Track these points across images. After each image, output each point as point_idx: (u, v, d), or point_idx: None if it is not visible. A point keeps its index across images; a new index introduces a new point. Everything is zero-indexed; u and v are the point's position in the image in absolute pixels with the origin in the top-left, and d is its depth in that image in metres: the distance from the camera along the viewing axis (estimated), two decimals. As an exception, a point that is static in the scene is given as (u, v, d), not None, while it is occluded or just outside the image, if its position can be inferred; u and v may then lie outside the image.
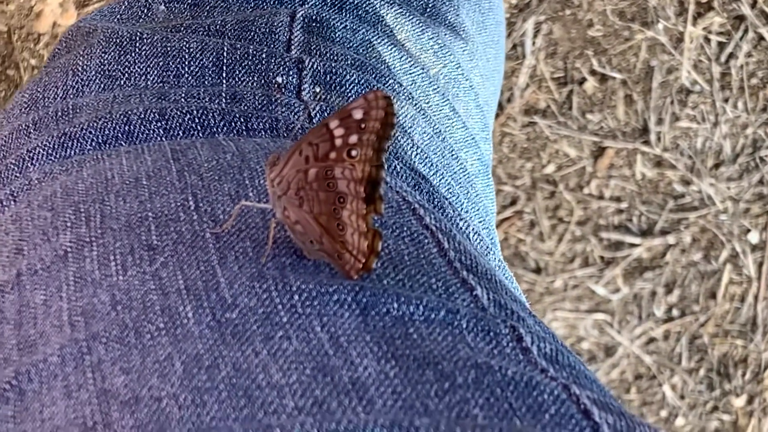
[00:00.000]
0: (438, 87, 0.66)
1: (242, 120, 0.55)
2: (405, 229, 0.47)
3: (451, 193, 0.59)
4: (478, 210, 0.63)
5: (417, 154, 0.58)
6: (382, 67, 0.63)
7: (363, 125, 0.40)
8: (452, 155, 0.64)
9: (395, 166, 0.55)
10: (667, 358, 1.49)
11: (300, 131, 0.55)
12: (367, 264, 0.42)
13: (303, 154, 0.41)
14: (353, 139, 0.40)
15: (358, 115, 0.40)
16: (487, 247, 0.56)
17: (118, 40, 0.61)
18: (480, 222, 0.63)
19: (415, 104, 0.62)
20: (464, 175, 0.64)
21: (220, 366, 0.39)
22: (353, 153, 0.40)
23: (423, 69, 0.66)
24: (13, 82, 1.34)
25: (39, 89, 0.60)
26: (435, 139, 0.62)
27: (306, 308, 0.41)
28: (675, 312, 1.48)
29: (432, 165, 0.59)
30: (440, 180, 0.59)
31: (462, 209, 0.60)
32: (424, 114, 0.63)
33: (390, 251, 0.45)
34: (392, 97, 0.48)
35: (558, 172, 1.42)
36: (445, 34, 0.69)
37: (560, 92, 1.41)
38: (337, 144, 0.40)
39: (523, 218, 1.43)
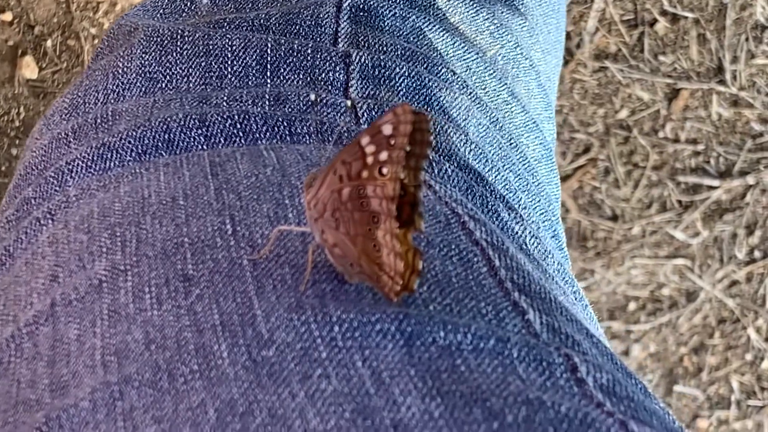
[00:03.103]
0: (495, 71, 0.63)
1: (285, 124, 0.53)
2: (453, 247, 0.45)
3: (508, 189, 0.57)
4: (539, 201, 0.60)
5: (471, 150, 0.56)
6: (434, 55, 0.61)
7: (392, 141, 0.37)
8: (510, 144, 0.61)
9: (446, 170, 0.53)
10: (750, 300, 1.46)
11: (346, 134, 0.53)
12: (409, 285, 0.39)
13: (337, 174, 0.39)
14: (383, 156, 0.38)
15: (387, 130, 0.37)
16: (546, 251, 0.54)
17: (158, 39, 0.59)
18: (542, 214, 0.60)
19: (470, 93, 0.60)
20: (524, 165, 0.61)
21: (255, 412, 0.37)
22: (384, 171, 0.38)
23: (478, 53, 0.63)
24: (74, 52, 1.33)
25: (79, 94, 0.59)
26: (491, 129, 0.60)
27: (347, 341, 0.39)
28: (757, 253, 1.45)
29: (487, 160, 0.57)
30: (496, 176, 0.57)
31: (520, 206, 0.57)
32: (479, 103, 0.60)
33: (437, 273, 0.43)
34: (427, 112, 0.45)
35: (631, 117, 1.39)
36: (502, 12, 0.66)
37: (631, 35, 1.37)
38: (368, 162, 0.38)
39: (597, 165, 1.40)
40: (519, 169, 0.60)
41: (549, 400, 0.36)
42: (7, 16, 1.31)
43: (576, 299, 0.54)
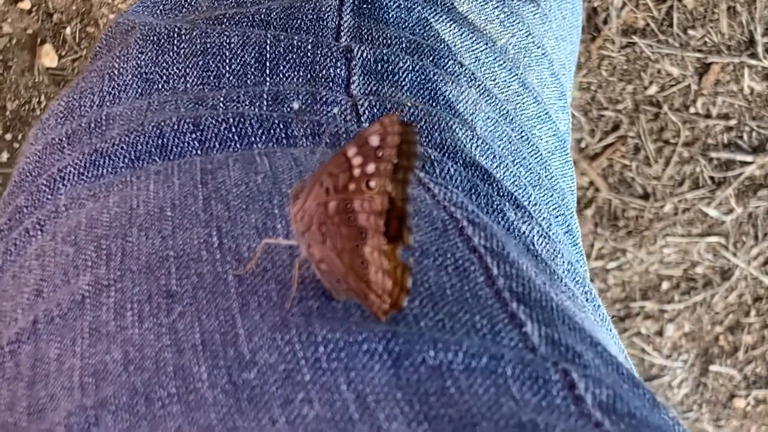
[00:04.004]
0: (505, 61, 0.61)
1: (282, 126, 0.51)
2: (449, 255, 0.43)
3: (517, 185, 0.55)
4: (551, 196, 0.58)
5: (478, 146, 0.54)
6: (441, 46, 0.59)
7: (380, 153, 0.36)
8: (521, 137, 0.59)
9: (448, 169, 0.51)
10: (787, 277, 1.43)
11: (344, 135, 0.51)
12: (398, 303, 0.38)
13: (324, 186, 0.38)
14: (371, 168, 0.36)
15: (374, 141, 0.36)
16: (555, 251, 0.52)
17: (155, 39, 0.57)
18: (554, 209, 0.58)
19: (479, 85, 0.58)
20: (536, 158, 0.59)
21: None
22: (371, 184, 0.37)
23: (488, 43, 0.61)
24: (94, 39, 1.32)
25: (75, 96, 0.57)
26: (501, 123, 0.58)
27: (332, 362, 0.37)
28: (793, 229, 1.42)
29: (495, 156, 0.55)
30: (505, 172, 0.55)
31: (530, 203, 0.55)
32: (488, 95, 0.58)
33: (430, 285, 0.41)
34: (414, 124, 0.44)
35: (661, 93, 1.36)
36: (513, -1, 0.64)
37: (659, 9, 1.34)
38: (355, 174, 0.37)
39: (627, 143, 1.38)
40: (530, 163, 0.58)
41: (543, 422, 0.35)
42: (26, 5, 1.30)
43: (587, 300, 0.52)
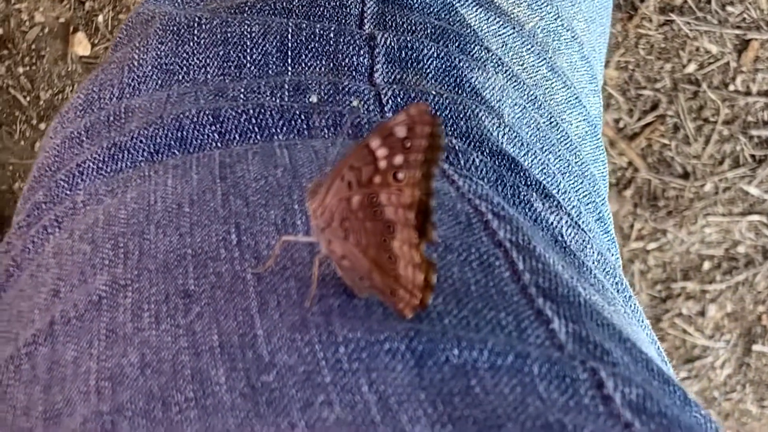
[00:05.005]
0: (533, 45, 0.60)
1: (303, 117, 0.50)
2: (473, 250, 0.42)
3: (545, 173, 0.53)
4: (581, 183, 0.57)
5: (505, 134, 0.53)
6: (467, 32, 0.57)
7: (408, 144, 0.35)
8: (550, 123, 0.58)
9: (473, 160, 0.50)
10: (830, 255, 1.41)
11: (366, 125, 0.50)
12: (424, 300, 0.37)
13: (345, 180, 0.37)
14: (398, 160, 0.35)
15: (401, 132, 0.35)
16: (584, 241, 0.50)
17: (175, 29, 0.56)
18: (585, 197, 0.57)
19: (506, 71, 0.57)
20: (565, 145, 0.58)
21: None
22: (399, 176, 0.36)
23: (515, 27, 0.60)
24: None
25: (95, 88, 0.56)
26: (528, 109, 0.56)
27: (353, 363, 0.36)
28: (836, 207, 1.40)
29: (523, 143, 0.53)
30: (533, 159, 0.53)
31: (559, 191, 0.54)
32: (516, 81, 0.57)
33: (454, 281, 0.40)
34: (438, 115, 0.42)
35: (700, 71, 1.34)
36: (540, -19, 0.62)
37: (697, -15, 1.32)
38: (381, 166, 0.36)
39: (666, 122, 1.36)
40: (559, 150, 0.57)
41: (571, 422, 0.34)
42: (58, -7, 1.30)
43: (618, 291, 0.51)
